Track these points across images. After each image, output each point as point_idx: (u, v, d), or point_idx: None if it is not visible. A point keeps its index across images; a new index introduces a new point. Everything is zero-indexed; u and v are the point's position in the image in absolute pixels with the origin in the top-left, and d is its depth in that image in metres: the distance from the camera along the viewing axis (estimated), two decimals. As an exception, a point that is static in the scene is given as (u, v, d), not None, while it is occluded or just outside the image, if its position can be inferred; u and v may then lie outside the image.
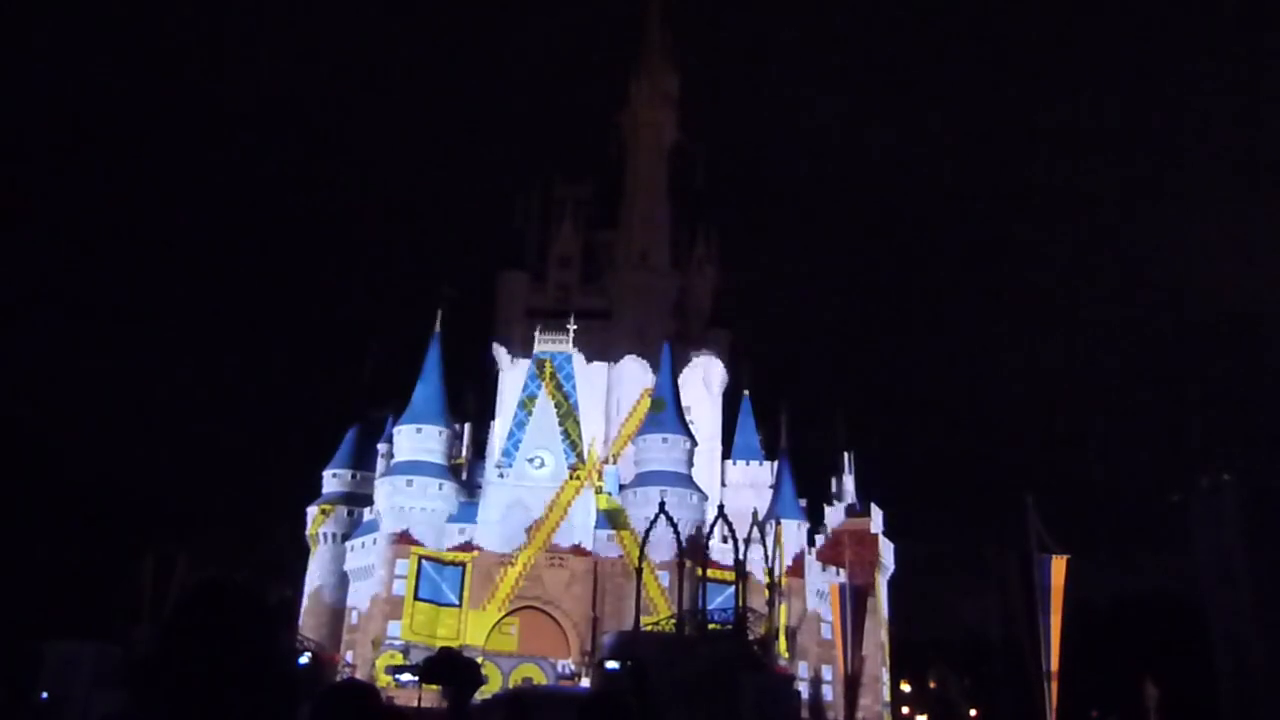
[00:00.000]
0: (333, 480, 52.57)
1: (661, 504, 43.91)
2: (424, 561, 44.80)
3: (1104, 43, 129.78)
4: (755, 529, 46.59)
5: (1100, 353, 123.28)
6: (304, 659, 39.44)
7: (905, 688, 63.58)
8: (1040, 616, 36.55)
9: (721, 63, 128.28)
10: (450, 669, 6.40)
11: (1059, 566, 37.00)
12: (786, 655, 44.61)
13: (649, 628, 40.35)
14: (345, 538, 49.77)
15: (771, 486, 49.99)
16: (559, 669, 41.65)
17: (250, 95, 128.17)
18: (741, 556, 42.78)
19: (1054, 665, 36.10)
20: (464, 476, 48.35)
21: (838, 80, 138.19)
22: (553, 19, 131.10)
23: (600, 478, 47.51)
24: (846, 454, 51.93)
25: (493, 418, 50.74)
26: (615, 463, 48.47)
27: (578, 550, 45.33)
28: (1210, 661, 38.11)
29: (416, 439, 46.57)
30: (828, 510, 50.47)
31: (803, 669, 46.20)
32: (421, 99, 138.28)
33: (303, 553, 51.49)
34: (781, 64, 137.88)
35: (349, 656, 44.70)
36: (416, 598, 44.21)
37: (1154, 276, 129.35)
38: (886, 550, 50.70)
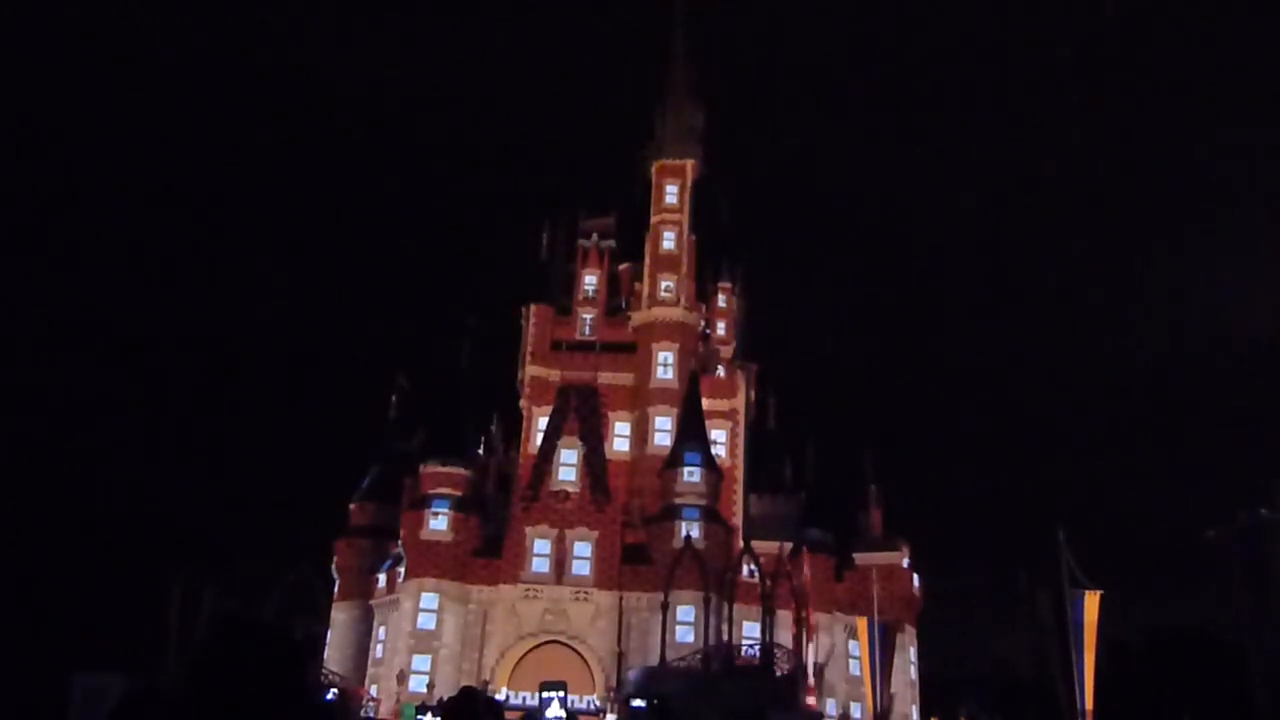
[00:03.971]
0: (358, 513, 52.68)
1: (687, 537, 43.73)
2: (448, 595, 44.69)
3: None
4: (782, 563, 46.26)
5: (1136, 384, 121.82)
6: (330, 694, 39.42)
7: (935, 726, 62.50)
8: (1074, 654, 35.80)
9: (748, 96, 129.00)
10: (471, 709, 6.33)
11: (1092, 602, 36.25)
12: (814, 692, 44.03)
13: (675, 663, 40.00)
14: (371, 570, 49.83)
15: (798, 520, 49.62)
16: (584, 705, 41.27)
17: (276, 120, 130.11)
18: (768, 591, 42.43)
19: (1088, 704, 35.33)
20: (489, 509, 48.27)
21: (866, 113, 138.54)
22: (580, 53, 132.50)
23: (625, 511, 47.32)
24: (874, 487, 51.47)
25: (518, 451, 50.82)
26: (641, 495, 48.26)
27: (603, 584, 45.06)
28: (1250, 701, 37.28)
29: (441, 472, 46.61)
30: (855, 544, 49.94)
31: (831, 706, 45.57)
32: (448, 133, 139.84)
33: (329, 585, 51.54)
34: (808, 96, 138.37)
35: (374, 690, 44.59)
36: (441, 631, 44.06)
37: (1194, 306, 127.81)
38: (915, 585, 50.07)
